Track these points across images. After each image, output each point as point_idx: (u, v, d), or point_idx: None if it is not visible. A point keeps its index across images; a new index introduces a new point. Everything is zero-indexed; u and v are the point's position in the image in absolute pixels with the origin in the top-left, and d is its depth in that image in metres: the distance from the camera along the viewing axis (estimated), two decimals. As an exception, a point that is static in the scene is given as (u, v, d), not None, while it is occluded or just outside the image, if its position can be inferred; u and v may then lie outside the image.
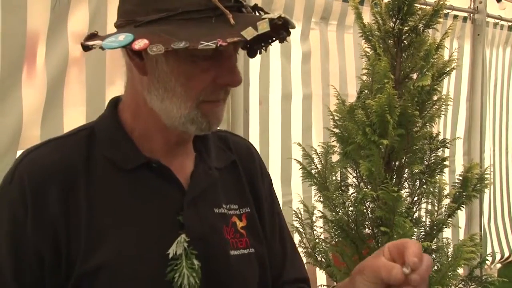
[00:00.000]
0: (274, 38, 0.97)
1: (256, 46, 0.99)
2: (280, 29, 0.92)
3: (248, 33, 0.84)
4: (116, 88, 2.18)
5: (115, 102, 1.01)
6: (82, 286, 0.89)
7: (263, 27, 0.85)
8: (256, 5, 0.94)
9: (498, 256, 4.78)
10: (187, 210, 0.95)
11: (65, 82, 2.00)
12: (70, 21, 1.99)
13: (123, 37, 0.87)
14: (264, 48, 0.99)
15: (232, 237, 0.99)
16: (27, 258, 0.88)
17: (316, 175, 2.39)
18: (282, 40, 0.95)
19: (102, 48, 0.90)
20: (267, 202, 1.09)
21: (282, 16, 0.88)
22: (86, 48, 0.94)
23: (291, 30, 0.94)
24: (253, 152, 1.11)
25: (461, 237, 3.73)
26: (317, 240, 2.42)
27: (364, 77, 2.34)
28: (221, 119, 0.95)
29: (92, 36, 0.95)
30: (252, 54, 1.00)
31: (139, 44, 0.84)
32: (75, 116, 2.03)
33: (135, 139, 0.96)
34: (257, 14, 0.93)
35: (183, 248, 0.92)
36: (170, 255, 0.91)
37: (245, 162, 1.07)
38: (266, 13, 0.92)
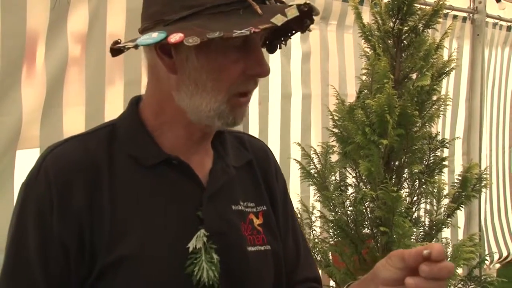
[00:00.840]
0: (293, 32, 0.99)
1: (276, 41, 1.01)
2: (304, 17, 0.93)
3: (278, 20, 0.87)
4: (115, 88, 2.18)
5: (136, 101, 1.03)
6: (104, 278, 0.92)
7: (292, 12, 0.87)
8: None
9: (496, 256, 4.79)
10: (206, 206, 0.97)
11: (64, 82, 2.00)
12: (69, 21, 1.99)
13: (156, 34, 0.89)
14: (284, 42, 1.01)
15: (250, 233, 1.01)
16: (54, 250, 0.91)
17: (316, 175, 2.39)
18: (305, 29, 0.97)
19: (135, 47, 0.92)
20: (282, 202, 1.11)
21: (308, 2, 0.91)
22: (115, 52, 0.97)
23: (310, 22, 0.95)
24: (268, 153, 1.14)
25: (460, 237, 3.73)
26: (316, 240, 2.42)
27: (364, 77, 2.34)
28: (245, 115, 0.98)
29: (116, 43, 0.97)
30: (272, 50, 1.02)
31: (175, 37, 0.86)
32: (74, 115, 2.04)
33: (156, 137, 0.98)
34: (279, 4, 0.95)
35: (202, 242, 0.94)
36: (190, 249, 0.94)
37: (261, 162, 1.10)
38: (287, 4, 0.94)
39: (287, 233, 1.11)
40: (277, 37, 1.01)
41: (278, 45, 1.02)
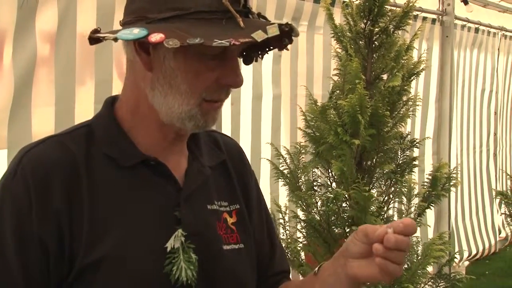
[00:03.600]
0: (272, 48, 1.01)
1: (253, 53, 1.03)
2: (284, 36, 0.96)
3: (258, 36, 0.89)
4: (86, 88, 2.15)
5: (112, 100, 1.03)
6: (84, 279, 0.92)
7: (273, 31, 0.90)
8: (259, 13, 0.98)
9: (466, 254, 4.88)
10: (183, 206, 0.98)
11: (33, 82, 1.96)
12: (38, 20, 1.96)
13: (138, 31, 0.90)
14: (260, 56, 1.03)
15: (224, 232, 1.02)
16: (33, 251, 0.91)
17: (288, 175, 2.40)
18: (282, 48, 1.00)
19: (115, 39, 0.92)
20: (256, 199, 1.13)
21: (289, 23, 0.94)
22: (93, 41, 0.96)
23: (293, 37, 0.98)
24: (241, 152, 1.16)
25: (430, 235, 3.78)
26: (289, 240, 2.42)
27: (336, 78, 2.36)
28: (216, 119, 0.99)
29: (96, 32, 0.97)
30: (248, 62, 1.04)
31: (155, 37, 0.87)
32: (44, 116, 2.00)
33: (132, 137, 0.99)
34: (262, 20, 0.97)
35: (180, 242, 0.95)
36: (168, 249, 0.94)
37: (235, 161, 1.11)
38: (270, 22, 0.97)
39: (262, 228, 1.13)
40: (254, 50, 1.02)
41: (254, 58, 1.03)
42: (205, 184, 1.03)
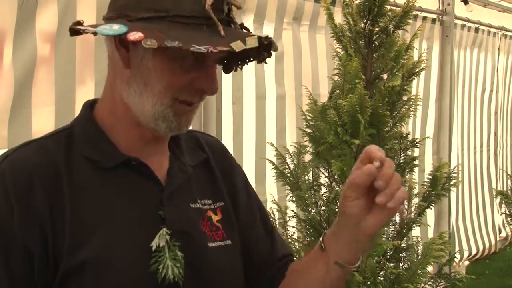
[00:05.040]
0: (251, 58, 1.02)
1: (233, 63, 1.04)
2: (263, 49, 0.98)
3: (237, 46, 0.90)
4: (86, 88, 2.15)
5: (90, 103, 1.04)
6: (69, 282, 0.91)
7: (252, 42, 0.91)
8: (242, 23, 1.00)
9: (466, 254, 4.88)
10: (167, 205, 0.98)
11: (33, 82, 1.96)
12: (38, 20, 1.96)
13: (118, 27, 0.90)
14: (240, 66, 1.04)
15: (209, 230, 1.03)
16: (17, 255, 0.90)
17: (289, 175, 2.40)
18: (261, 60, 1.01)
19: (94, 33, 0.93)
20: (244, 194, 1.13)
21: (269, 37, 0.95)
22: (74, 32, 0.97)
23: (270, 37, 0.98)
24: (224, 149, 1.17)
25: (430, 235, 3.78)
26: (289, 240, 2.42)
27: (336, 77, 2.36)
28: (190, 123, 1.00)
29: (78, 24, 0.97)
30: (227, 71, 1.05)
31: (134, 36, 0.88)
32: (44, 116, 2.00)
33: (112, 137, 0.99)
34: (244, 31, 0.98)
35: (165, 240, 0.95)
36: (154, 248, 0.94)
37: (218, 159, 1.12)
38: (251, 33, 0.97)
39: (254, 216, 1.13)
40: (234, 60, 1.03)
41: (234, 67, 1.04)
42: (187, 183, 1.03)
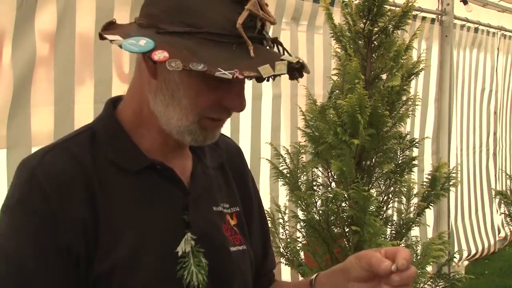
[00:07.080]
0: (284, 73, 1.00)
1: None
2: (294, 70, 0.94)
3: (265, 71, 0.87)
4: (85, 87, 2.15)
5: (113, 102, 1.01)
6: (99, 286, 0.91)
7: (281, 68, 0.88)
8: (276, 38, 0.96)
9: (465, 254, 4.88)
10: (191, 209, 0.98)
11: (32, 82, 1.96)
12: (37, 19, 1.95)
13: (144, 42, 0.88)
14: (273, 78, 1.01)
15: (230, 234, 1.03)
16: (57, 263, 0.89)
17: (288, 175, 2.40)
18: (293, 79, 0.98)
19: (120, 46, 0.91)
20: (255, 199, 1.13)
21: (301, 61, 0.92)
22: (103, 37, 0.95)
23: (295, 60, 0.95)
24: (241, 153, 1.16)
25: (430, 235, 3.79)
26: (288, 240, 2.42)
27: (335, 77, 2.36)
28: (217, 136, 0.99)
29: (110, 25, 0.95)
30: (260, 80, 1.01)
31: (159, 56, 0.86)
32: (43, 116, 2.00)
33: (136, 139, 0.98)
34: (277, 48, 0.95)
35: (190, 246, 0.95)
36: (179, 253, 0.94)
37: (235, 162, 1.11)
38: (284, 49, 0.95)
39: (261, 227, 1.14)
40: None
41: (266, 79, 1.02)
42: (210, 186, 1.03)
